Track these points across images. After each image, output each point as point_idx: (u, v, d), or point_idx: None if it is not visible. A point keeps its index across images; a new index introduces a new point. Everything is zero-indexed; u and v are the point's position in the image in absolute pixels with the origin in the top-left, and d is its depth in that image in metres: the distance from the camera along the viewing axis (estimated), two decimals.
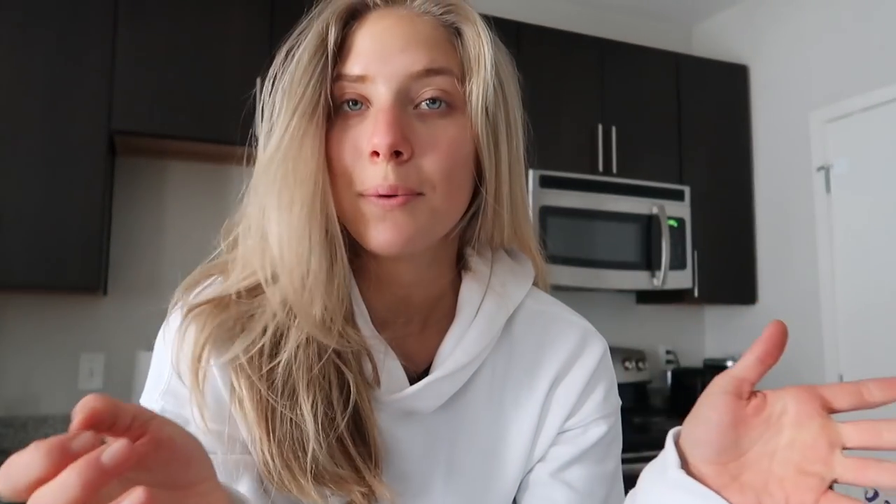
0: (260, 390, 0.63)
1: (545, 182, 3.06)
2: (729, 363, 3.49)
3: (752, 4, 3.75)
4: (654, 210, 3.29)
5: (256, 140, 0.71)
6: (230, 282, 0.67)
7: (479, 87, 0.66)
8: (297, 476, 0.62)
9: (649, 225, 3.28)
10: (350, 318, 0.66)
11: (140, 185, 2.84)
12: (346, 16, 0.67)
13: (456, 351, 0.69)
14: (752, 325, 3.64)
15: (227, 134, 2.65)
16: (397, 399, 0.67)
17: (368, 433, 0.65)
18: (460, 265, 0.75)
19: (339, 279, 0.64)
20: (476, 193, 0.69)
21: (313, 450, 0.61)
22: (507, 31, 3.12)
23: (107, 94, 2.48)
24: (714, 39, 3.97)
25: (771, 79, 3.63)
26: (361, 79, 0.64)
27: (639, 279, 3.24)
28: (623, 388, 3.50)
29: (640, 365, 3.49)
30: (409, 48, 0.64)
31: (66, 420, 2.61)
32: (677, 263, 3.33)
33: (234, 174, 2.98)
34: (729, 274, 3.57)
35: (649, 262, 3.26)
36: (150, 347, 2.62)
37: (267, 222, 0.63)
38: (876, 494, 1.09)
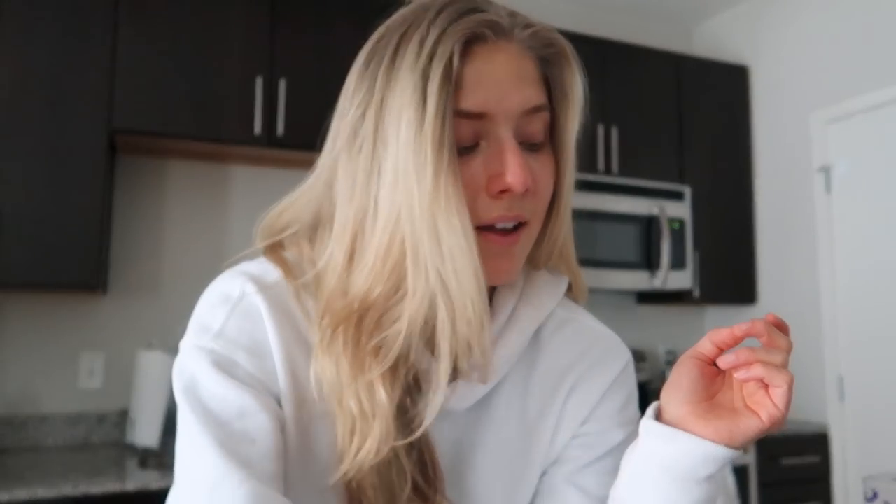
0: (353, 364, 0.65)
1: None
2: None
3: (753, 5, 3.75)
4: (655, 210, 3.29)
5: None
6: (366, 274, 0.65)
7: (572, 124, 0.70)
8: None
9: (650, 225, 3.28)
10: None
11: (140, 184, 2.84)
12: (464, 44, 0.64)
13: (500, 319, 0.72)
14: None
15: (228, 133, 2.67)
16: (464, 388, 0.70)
17: (426, 448, 0.67)
18: None
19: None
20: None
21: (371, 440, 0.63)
22: None
23: (107, 92, 2.48)
24: (715, 40, 3.97)
25: (772, 79, 3.63)
26: (480, 116, 0.64)
27: (639, 279, 3.24)
28: None
29: (640, 365, 3.49)
30: (522, 86, 0.65)
31: (66, 419, 2.61)
32: (678, 264, 3.33)
33: (234, 173, 2.98)
34: (729, 274, 3.57)
35: (650, 263, 3.26)
36: (150, 346, 2.62)
37: (444, 252, 0.62)
38: (875, 495, 1.10)
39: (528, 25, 0.67)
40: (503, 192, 0.64)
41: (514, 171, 0.63)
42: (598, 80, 3.35)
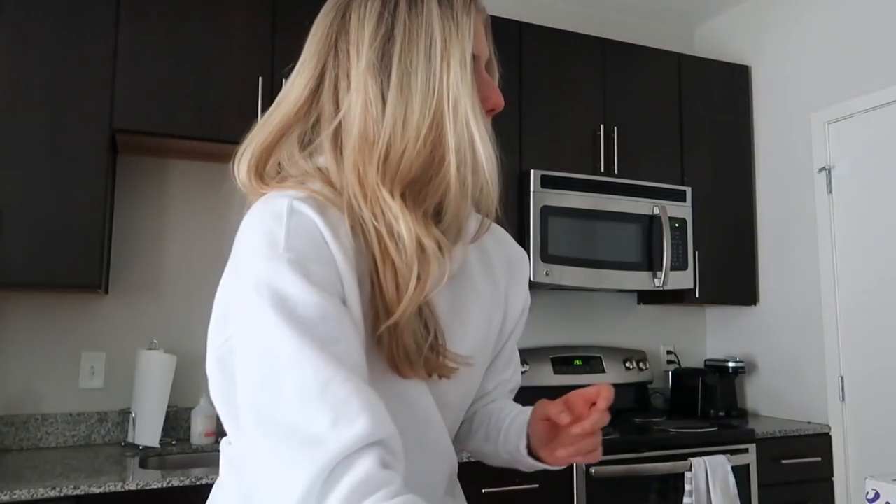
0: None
1: (546, 182, 3.06)
2: (730, 364, 3.49)
3: (754, 5, 3.74)
4: (656, 210, 3.28)
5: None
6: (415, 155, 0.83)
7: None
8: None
9: (651, 225, 3.28)
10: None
11: (141, 184, 2.85)
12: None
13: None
14: (753, 326, 3.64)
15: (229, 133, 2.67)
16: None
17: (429, 308, 0.85)
18: None
19: None
20: None
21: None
22: (508, 31, 3.14)
23: (108, 92, 2.48)
24: (716, 40, 3.97)
25: (773, 79, 3.63)
26: (476, 58, 0.90)
27: (640, 279, 3.24)
28: (624, 389, 3.54)
29: (641, 365, 3.49)
30: (487, 40, 0.96)
31: (67, 418, 2.62)
32: (678, 264, 3.32)
33: None
34: (730, 274, 3.56)
35: (651, 263, 3.26)
36: (152, 346, 2.62)
37: (477, 143, 0.84)
38: (877, 495, 1.09)
39: None
40: (491, 110, 0.92)
41: (499, 96, 0.93)
42: (599, 79, 3.35)
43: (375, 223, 0.80)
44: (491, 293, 0.99)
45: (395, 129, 0.82)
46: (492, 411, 1.09)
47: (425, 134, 0.82)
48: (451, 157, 0.82)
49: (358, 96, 0.84)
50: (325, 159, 0.86)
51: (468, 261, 0.95)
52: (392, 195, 0.80)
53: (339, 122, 0.85)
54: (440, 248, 0.81)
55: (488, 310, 0.98)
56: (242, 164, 0.89)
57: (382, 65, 0.84)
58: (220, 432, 2.73)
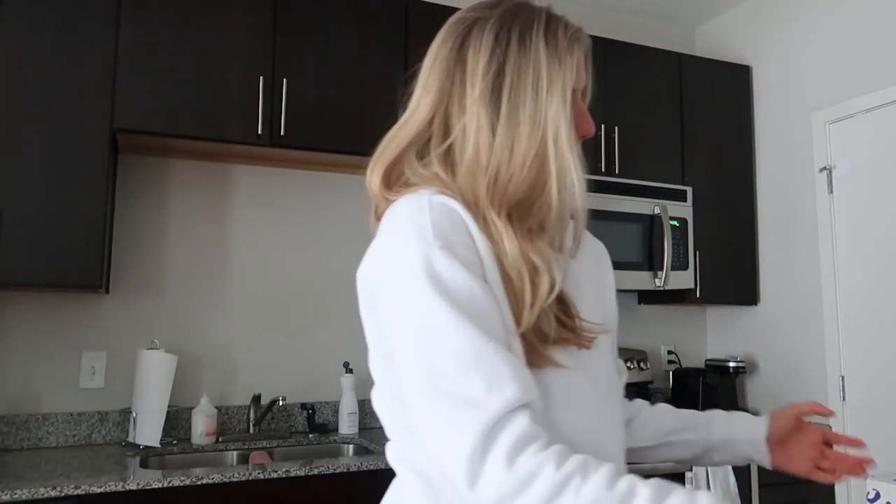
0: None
1: None
2: (731, 364, 3.49)
3: (755, 5, 3.74)
4: (657, 210, 3.28)
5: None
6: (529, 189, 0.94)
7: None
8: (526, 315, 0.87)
9: (651, 225, 3.28)
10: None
11: (142, 184, 2.85)
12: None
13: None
14: (753, 326, 3.64)
15: (230, 133, 2.67)
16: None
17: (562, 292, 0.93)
18: None
19: None
20: None
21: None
22: None
23: (110, 92, 2.48)
24: (717, 40, 3.97)
25: (774, 79, 3.63)
26: (577, 90, 1.01)
27: (641, 279, 3.24)
28: (625, 389, 3.48)
29: (642, 365, 3.49)
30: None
31: (68, 418, 2.62)
32: (679, 264, 3.32)
33: (236, 173, 2.98)
34: (731, 274, 3.56)
35: (651, 263, 3.26)
36: (152, 346, 2.63)
37: (572, 171, 0.93)
38: (878, 495, 1.09)
39: None
40: (586, 136, 1.01)
41: (592, 123, 1.02)
42: (600, 79, 3.34)
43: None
44: (596, 276, 1.10)
45: (503, 156, 0.92)
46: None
47: (531, 162, 0.92)
48: (553, 183, 0.93)
49: (471, 123, 0.94)
50: (439, 171, 0.96)
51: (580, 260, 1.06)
52: (499, 215, 0.89)
53: (451, 143, 0.96)
54: (547, 259, 0.90)
55: (599, 290, 1.09)
56: (375, 174, 0.99)
57: (492, 97, 0.94)
58: (220, 431, 2.74)
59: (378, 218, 0.96)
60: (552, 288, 0.88)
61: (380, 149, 1.00)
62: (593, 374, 0.96)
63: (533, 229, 0.92)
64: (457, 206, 0.89)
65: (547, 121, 0.93)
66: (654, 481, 0.75)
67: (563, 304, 0.92)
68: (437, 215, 0.87)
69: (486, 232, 0.89)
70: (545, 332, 0.88)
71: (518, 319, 0.86)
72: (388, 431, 0.97)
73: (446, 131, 0.97)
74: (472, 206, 0.91)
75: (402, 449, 0.96)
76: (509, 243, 0.88)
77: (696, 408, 3.42)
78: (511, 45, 0.95)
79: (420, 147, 0.98)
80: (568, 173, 0.93)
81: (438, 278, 0.82)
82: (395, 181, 0.98)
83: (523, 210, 0.92)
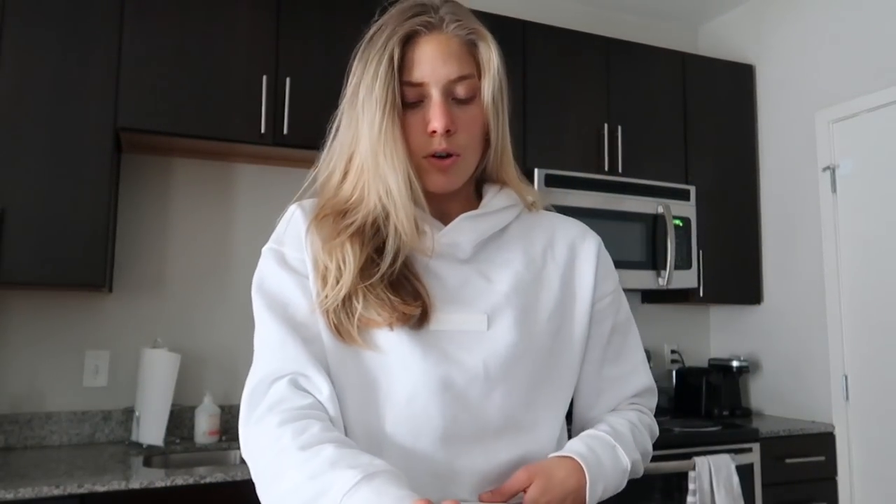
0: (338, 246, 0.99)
1: (550, 181, 3.06)
2: (734, 363, 3.49)
3: (759, 4, 3.74)
4: (660, 209, 3.28)
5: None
6: (348, 192, 1.03)
7: (489, 84, 1.03)
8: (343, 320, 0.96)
9: (655, 224, 3.28)
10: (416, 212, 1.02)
11: (145, 182, 2.85)
12: (404, 39, 0.99)
13: (478, 211, 1.07)
14: (757, 325, 3.63)
15: (233, 132, 2.68)
16: (443, 241, 1.02)
17: (411, 274, 1.00)
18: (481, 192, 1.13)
19: (413, 196, 0.98)
20: (485, 151, 1.08)
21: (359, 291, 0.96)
22: (513, 30, 3.13)
23: (113, 91, 2.48)
24: (720, 39, 3.96)
25: (777, 79, 3.62)
26: (420, 84, 0.99)
27: (644, 278, 3.23)
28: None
29: None
30: (448, 62, 0.99)
31: (71, 417, 2.62)
32: (682, 263, 3.32)
33: (239, 172, 2.98)
34: (734, 274, 3.56)
35: (654, 262, 3.26)
36: (156, 344, 2.63)
37: (382, 172, 0.97)
38: None
39: (457, 20, 1.01)
40: (433, 132, 0.98)
41: (437, 117, 0.97)
42: (604, 79, 3.35)
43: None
44: (524, 268, 1.07)
45: (325, 166, 1.06)
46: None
47: (342, 171, 1.03)
48: (366, 189, 1.00)
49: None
50: None
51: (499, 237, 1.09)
52: (317, 217, 1.02)
53: None
54: (341, 258, 0.98)
55: (524, 284, 1.05)
56: None
57: (339, 114, 1.06)
58: (223, 431, 2.74)
59: None
60: (338, 284, 0.96)
61: None
62: (443, 363, 0.96)
63: (350, 231, 0.98)
64: (300, 213, 1.04)
65: (360, 130, 0.99)
66: (347, 452, 0.86)
67: (415, 292, 0.98)
68: (282, 221, 1.06)
69: (311, 234, 1.01)
70: (349, 314, 0.96)
71: (321, 302, 0.97)
72: None
73: None
74: (311, 212, 1.03)
75: None
76: (316, 244, 1.00)
77: (699, 407, 3.44)
78: (361, 56, 1.03)
79: None
80: (381, 180, 0.97)
81: (262, 281, 1.04)
82: None
83: (339, 214, 1.00)
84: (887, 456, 3.00)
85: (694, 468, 2.74)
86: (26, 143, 2.36)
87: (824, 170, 3.31)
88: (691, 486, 2.73)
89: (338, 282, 0.96)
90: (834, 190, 3.27)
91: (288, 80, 2.68)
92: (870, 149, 3.14)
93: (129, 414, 2.68)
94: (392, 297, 0.95)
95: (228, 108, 2.63)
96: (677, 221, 3.32)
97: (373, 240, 0.98)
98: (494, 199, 1.09)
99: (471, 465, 0.96)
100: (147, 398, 2.57)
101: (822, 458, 3.13)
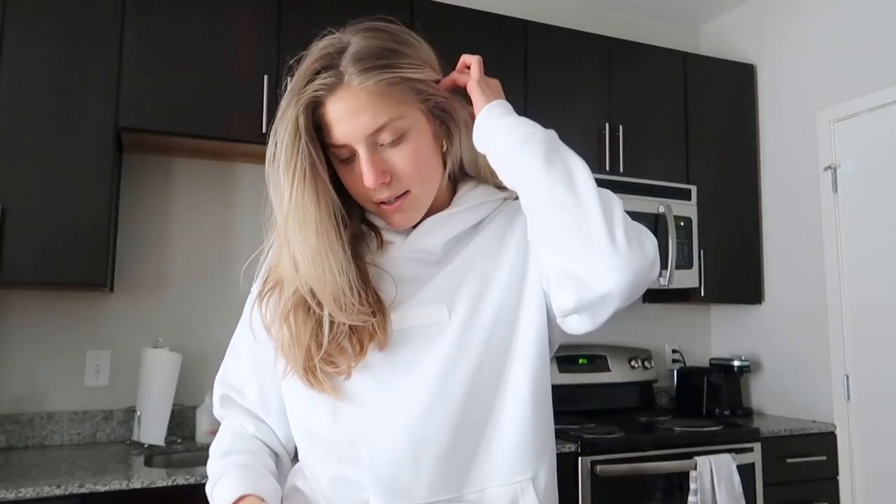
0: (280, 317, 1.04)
1: None
2: (735, 362, 3.49)
3: (760, 4, 3.73)
4: (661, 209, 3.28)
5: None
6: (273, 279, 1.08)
7: (420, 110, 1.00)
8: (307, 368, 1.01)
9: (656, 224, 3.28)
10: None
11: (147, 182, 2.85)
12: (310, 108, 0.98)
13: (447, 211, 1.07)
14: (758, 325, 3.63)
15: (235, 131, 2.67)
16: (413, 246, 1.04)
17: (368, 284, 1.02)
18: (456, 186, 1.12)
19: (344, 263, 0.99)
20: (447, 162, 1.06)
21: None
22: (514, 30, 3.13)
23: (114, 91, 2.48)
24: (721, 38, 3.96)
25: (778, 78, 3.62)
26: (343, 146, 0.97)
27: None
28: (629, 388, 3.51)
29: (646, 364, 3.49)
30: (360, 117, 0.95)
31: (73, 417, 2.62)
32: (684, 262, 3.32)
33: (240, 171, 2.98)
34: (735, 273, 3.56)
35: None
36: (157, 344, 2.63)
37: (291, 246, 0.98)
38: None
39: (361, 68, 0.96)
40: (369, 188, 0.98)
41: (366, 175, 0.96)
42: (605, 78, 3.35)
43: None
44: (490, 261, 1.07)
45: (270, 240, 1.06)
46: None
47: (276, 243, 1.04)
48: (291, 261, 1.00)
49: None
50: None
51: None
52: (263, 289, 1.09)
53: None
54: (280, 339, 1.04)
55: (486, 272, 1.06)
56: None
57: None
58: None
59: None
60: (292, 360, 1.01)
61: None
62: (401, 395, 0.98)
63: (290, 307, 1.01)
64: (255, 287, 1.12)
65: (282, 201, 0.98)
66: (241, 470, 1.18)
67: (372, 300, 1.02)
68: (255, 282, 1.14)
69: (257, 311, 1.07)
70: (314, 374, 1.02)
71: (283, 375, 1.06)
72: None
73: None
74: (257, 288, 1.10)
75: None
76: (266, 321, 1.06)
77: (700, 407, 3.43)
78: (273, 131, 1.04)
79: None
80: (289, 255, 0.99)
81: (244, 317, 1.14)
82: None
83: (276, 284, 1.05)
84: (889, 455, 2.99)
85: (695, 468, 2.74)
86: (28, 143, 2.36)
87: (825, 169, 3.30)
88: (692, 486, 2.73)
89: (290, 358, 1.01)
90: (835, 189, 3.26)
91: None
92: (871, 148, 3.14)
93: (130, 414, 2.68)
94: (348, 345, 0.99)
95: (229, 107, 2.63)
96: (679, 221, 3.32)
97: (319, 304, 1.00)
98: (466, 196, 1.09)
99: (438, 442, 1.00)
100: (148, 398, 2.57)
101: (823, 458, 3.12)
